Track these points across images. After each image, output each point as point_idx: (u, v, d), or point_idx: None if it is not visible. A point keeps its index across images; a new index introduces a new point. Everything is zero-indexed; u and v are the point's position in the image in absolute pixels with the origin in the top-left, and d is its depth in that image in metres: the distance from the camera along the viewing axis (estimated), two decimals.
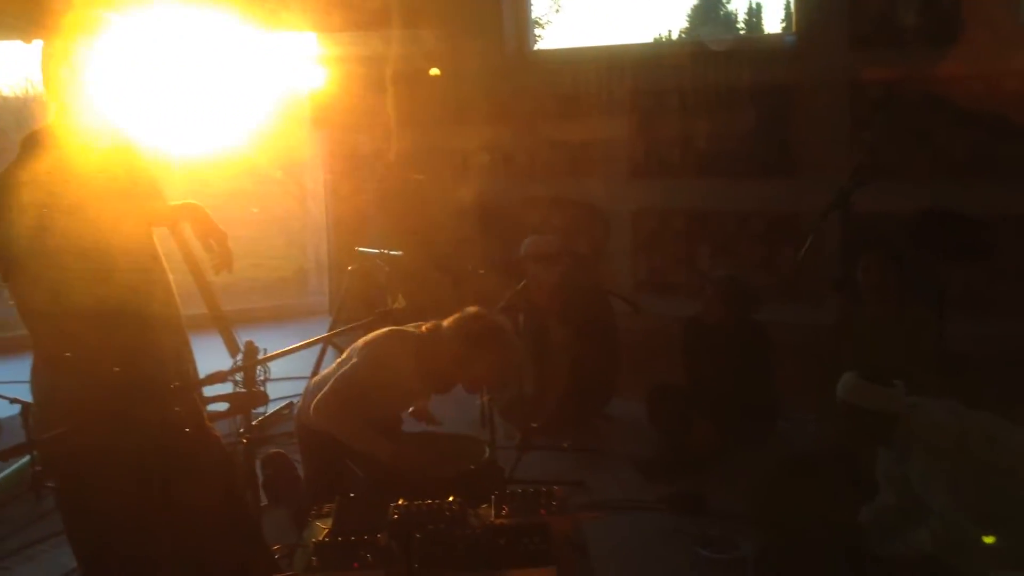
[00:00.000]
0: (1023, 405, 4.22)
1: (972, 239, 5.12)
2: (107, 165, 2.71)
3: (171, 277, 3.21)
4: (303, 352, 5.49)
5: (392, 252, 5.56)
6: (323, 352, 5.87)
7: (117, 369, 2.47)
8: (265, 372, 4.12)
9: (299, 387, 4.62)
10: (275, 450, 4.39)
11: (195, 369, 3.41)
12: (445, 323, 3.66)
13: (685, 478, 4.64)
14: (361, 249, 5.88)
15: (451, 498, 2.58)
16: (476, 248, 6.44)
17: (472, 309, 3.68)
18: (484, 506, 2.60)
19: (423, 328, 3.68)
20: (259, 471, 4.00)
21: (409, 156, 7.27)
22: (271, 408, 5.30)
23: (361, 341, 3.70)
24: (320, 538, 2.40)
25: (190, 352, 3.38)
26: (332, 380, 3.63)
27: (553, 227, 7.16)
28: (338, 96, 7.43)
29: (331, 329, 5.74)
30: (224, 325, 4.10)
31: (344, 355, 3.82)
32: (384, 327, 3.56)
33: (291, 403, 5.37)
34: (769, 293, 6.39)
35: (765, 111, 6.49)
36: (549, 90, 7.27)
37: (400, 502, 2.58)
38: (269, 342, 4.31)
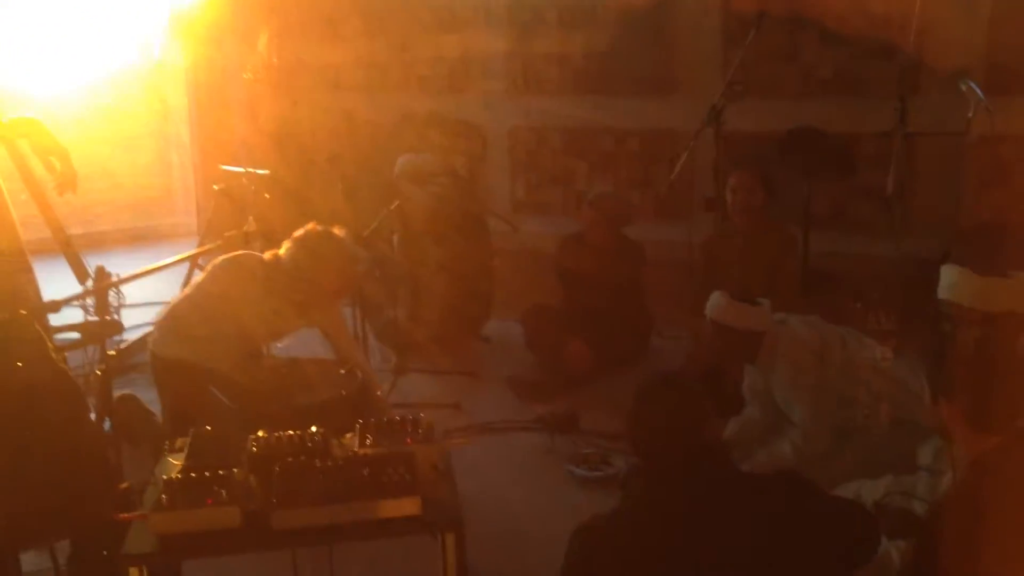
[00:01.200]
0: (880, 320, 4.38)
1: (836, 157, 5.24)
2: None
3: (8, 199, 2.96)
4: (168, 277, 5.30)
5: (258, 171, 5.33)
6: (189, 275, 5.62)
7: None
8: (119, 298, 3.86)
9: None
10: (124, 392, 4.19)
11: (38, 298, 3.19)
12: (283, 249, 3.54)
13: (560, 397, 4.67)
14: (226, 167, 5.61)
15: (313, 428, 2.50)
16: (347, 167, 6.23)
17: (304, 227, 3.57)
18: (348, 435, 2.53)
19: (266, 256, 3.54)
20: None
21: (278, 70, 6.94)
22: (132, 336, 5.05)
23: (208, 265, 3.55)
24: (172, 474, 2.28)
25: (31, 280, 3.16)
26: (174, 303, 3.50)
27: (429, 145, 6.99)
28: (202, 6, 7.00)
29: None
30: (70, 249, 3.83)
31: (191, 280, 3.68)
32: (234, 249, 3.41)
33: None
34: (644, 211, 6.44)
35: (642, 28, 6.43)
36: (424, 2, 7.02)
37: (259, 433, 2.48)
38: (134, 266, 4.07)
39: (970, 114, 4.50)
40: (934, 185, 5.48)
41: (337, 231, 3.56)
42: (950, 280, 3.17)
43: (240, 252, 3.53)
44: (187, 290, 3.63)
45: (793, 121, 5.33)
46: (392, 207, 5.03)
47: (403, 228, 5.19)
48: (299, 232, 3.53)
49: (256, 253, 3.55)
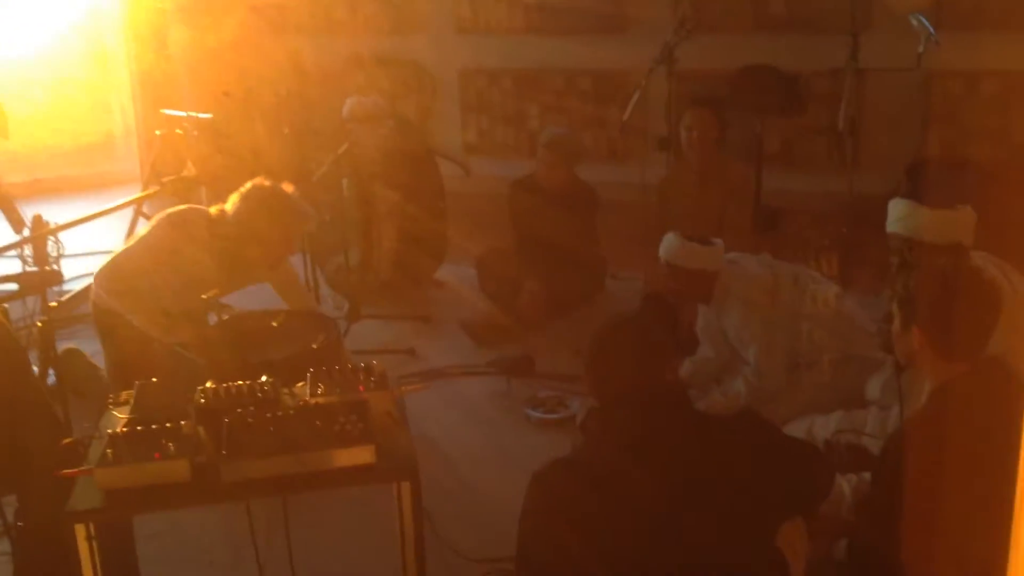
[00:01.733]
0: (827, 256, 4.42)
1: (788, 94, 5.22)
2: None
3: None
4: (110, 225, 5.15)
5: (201, 115, 5.16)
6: (133, 223, 5.47)
7: None
8: (59, 248, 3.73)
9: None
10: (68, 346, 4.08)
11: None
12: (228, 204, 3.41)
13: (515, 341, 4.66)
14: (167, 112, 5.43)
15: (263, 377, 2.44)
16: (296, 110, 6.08)
17: (252, 181, 3.44)
18: (299, 385, 2.47)
19: (212, 211, 3.42)
20: None
21: (219, 11, 6.71)
22: (74, 287, 4.92)
23: (154, 218, 3.42)
24: (117, 428, 2.22)
25: None
26: (116, 253, 3.38)
27: (377, 88, 6.85)
28: None
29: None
30: (5, 198, 3.67)
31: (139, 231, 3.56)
32: (175, 195, 3.27)
33: None
34: (597, 152, 6.39)
35: None
36: None
37: (208, 385, 2.42)
38: (76, 215, 3.92)
39: (920, 49, 4.49)
40: (885, 121, 5.50)
41: (286, 187, 3.44)
42: (898, 214, 3.18)
43: (185, 207, 3.39)
44: (129, 242, 3.51)
45: (745, 58, 5.30)
46: (341, 151, 4.91)
47: (353, 172, 5.08)
48: (246, 187, 3.40)
49: (201, 207, 3.42)
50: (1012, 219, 3.31)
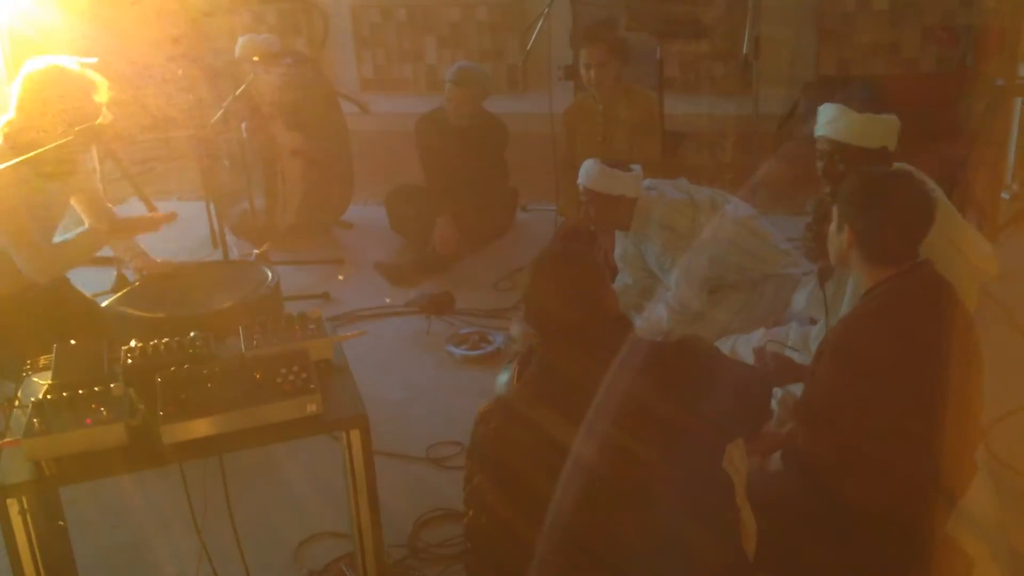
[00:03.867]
0: (729, 178, 4.48)
1: (687, 19, 5.23)
2: None
3: None
4: None
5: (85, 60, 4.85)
6: None
7: None
8: None
9: None
10: None
11: None
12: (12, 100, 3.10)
13: (432, 279, 4.61)
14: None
15: (192, 333, 2.33)
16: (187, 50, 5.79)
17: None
18: (232, 338, 2.37)
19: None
20: None
21: None
22: None
23: None
24: (40, 396, 2.09)
25: None
26: None
27: (266, 25, 6.59)
28: None
29: None
30: None
31: None
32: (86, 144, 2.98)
33: None
34: (498, 83, 6.30)
35: None
36: None
37: (132, 344, 2.30)
38: None
39: None
40: (781, 41, 5.58)
41: (68, 63, 3.10)
42: (827, 117, 3.07)
43: None
44: None
45: None
46: (237, 92, 4.69)
47: (251, 114, 4.88)
48: (24, 69, 3.06)
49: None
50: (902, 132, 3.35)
